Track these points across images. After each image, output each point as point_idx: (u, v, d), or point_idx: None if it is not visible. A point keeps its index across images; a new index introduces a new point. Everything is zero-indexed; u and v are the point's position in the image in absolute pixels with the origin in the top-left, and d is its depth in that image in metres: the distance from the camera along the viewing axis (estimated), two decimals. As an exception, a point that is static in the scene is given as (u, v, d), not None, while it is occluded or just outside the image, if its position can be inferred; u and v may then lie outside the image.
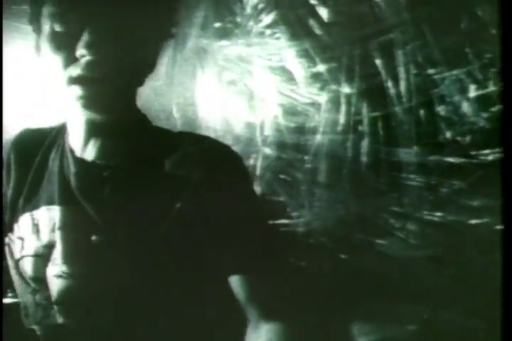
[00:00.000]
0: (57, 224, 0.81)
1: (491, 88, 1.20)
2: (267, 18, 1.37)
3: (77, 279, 0.79)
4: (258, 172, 1.37)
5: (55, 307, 0.79)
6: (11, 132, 1.19)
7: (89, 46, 0.74)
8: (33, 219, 0.83)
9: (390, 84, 1.29)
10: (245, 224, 0.81)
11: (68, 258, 0.79)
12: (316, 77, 1.35)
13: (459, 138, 1.24)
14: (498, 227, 1.16)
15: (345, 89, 1.33)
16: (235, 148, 1.36)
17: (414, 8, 1.26)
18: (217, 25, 1.40)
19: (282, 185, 1.37)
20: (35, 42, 0.81)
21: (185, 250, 0.78)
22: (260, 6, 1.37)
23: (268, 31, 1.38)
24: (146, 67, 0.83)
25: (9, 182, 0.87)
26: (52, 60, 0.78)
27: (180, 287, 0.79)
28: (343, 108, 1.33)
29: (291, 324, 0.81)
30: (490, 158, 1.20)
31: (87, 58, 0.75)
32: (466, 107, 1.23)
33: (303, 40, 1.35)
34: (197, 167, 0.81)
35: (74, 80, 0.76)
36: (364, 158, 1.32)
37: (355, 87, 1.32)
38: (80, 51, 0.75)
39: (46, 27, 0.78)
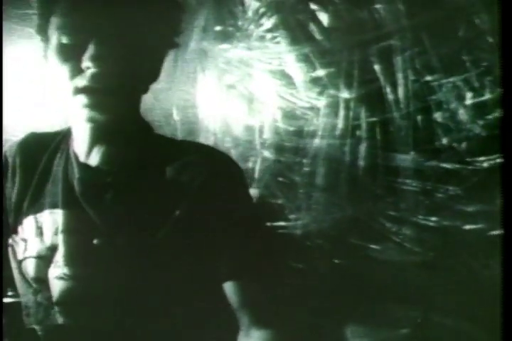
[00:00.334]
0: (60, 228, 0.82)
1: (488, 96, 1.22)
2: (268, 22, 1.38)
3: (77, 281, 0.80)
4: (257, 174, 1.38)
5: (56, 308, 0.81)
6: (11, 132, 1.20)
7: (94, 59, 0.76)
8: (36, 221, 0.84)
9: (388, 89, 1.30)
10: (242, 232, 0.83)
11: (70, 260, 0.81)
12: (315, 81, 1.36)
13: (455, 145, 1.25)
14: (493, 233, 1.18)
15: (344, 94, 1.34)
16: (234, 151, 1.38)
17: (414, 15, 1.27)
18: (219, 28, 1.41)
19: (280, 188, 1.38)
20: (43, 52, 0.83)
21: (184, 255, 0.80)
22: (261, 10, 1.38)
23: (269, 35, 1.39)
24: (150, 75, 0.84)
25: (14, 184, 0.89)
26: (59, 70, 0.79)
27: (178, 290, 0.80)
28: (342, 112, 1.34)
29: (281, 331, 0.82)
30: (485, 164, 1.21)
31: (92, 70, 0.76)
32: (462, 114, 1.25)
33: (303, 45, 1.36)
34: (197, 175, 0.82)
35: (80, 90, 0.77)
36: (361, 163, 1.33)
37: (353, 92, 1.33)
38: (86, 63, 0.77)
39: (54, 38, 0.80)
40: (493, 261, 1.15)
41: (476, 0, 1.21)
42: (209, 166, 0.84)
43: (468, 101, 1.24)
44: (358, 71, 1.33)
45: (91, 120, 0.79)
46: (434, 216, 1.27)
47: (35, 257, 0.83)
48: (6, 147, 0.93)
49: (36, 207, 0.85)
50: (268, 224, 1.26)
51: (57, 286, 0.81)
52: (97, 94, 0.77)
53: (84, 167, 0.84)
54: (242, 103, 1.41)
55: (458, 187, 1.25)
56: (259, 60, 1.39)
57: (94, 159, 0.84)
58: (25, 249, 0.84)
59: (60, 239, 0.82)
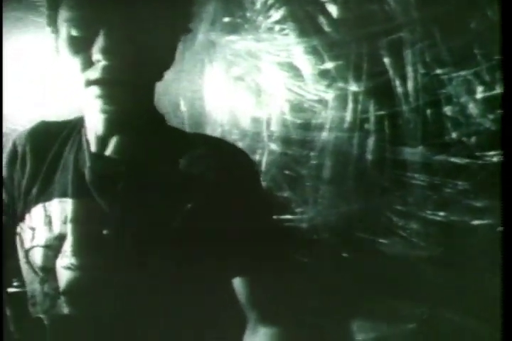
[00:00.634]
0: (69, 217, 0.81)
1: (498, 90, 1.21)
2: (277, 14, 1.37)
3: (85, 271, 0.79)
4: (263, 167, 1.38)
5: (62, 298, 0.80)
6: (12, 120, 1.20)
7: (104, 52, 0.75)
8: (45, 210, 0.83)
9: (397, 83, 1.29)
10: (253, 227, 0.82)
11: (78, 250, 0.80)
12: (323, 74, 1.35)
13: (464, 139, 1.24)
14: (501, 229, 1.17)
15: (353, 87, 1.33)
16: (241, 143, 1.37)
17: (424, 7, 1.26)
18: (227, 19, 1.40)
19: (287, 181, 1.37)
20: (55, 44, 0.82)
21: (194, 248, 0.79)
22: (270, 1, 1.37)
23: (277, 27, 1.38)
24: (163, 63, 0.83)
25: (24, 173, 0.88)
26: (70, 62, 0.78)
27: (187, 283, 0.80)
28: (350, 105, 1.33)
29: (288, 328, 0.82)
30: (495, 159, 1.20)
31: (103, 63, 0.75)
32: (472, 108, 1.24)
33: (312, 37, 1.35)
34: (210, 168, 0.81)
35: (92, 82, 0.76)
36: (369, 156, 1.33)
37: (362, 85, 1.32)
38: (96, 56, 0.76)
39: (63, 30, 0.79)
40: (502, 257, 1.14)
41: (488, -9, 1.20)
42: (221, 158, 0.83)
43: (479, 95, 1.23)
44: (367, 64, 1.32)
45: (104, 111, 0.78)
46: (442, 211, 1.27)
47: (42, 246, 0.82)
48: (15, 136, 0.92)
49: (45, 196, 0.84)
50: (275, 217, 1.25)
51: (64, 276, 0.80)
52: (109, 85, 0.76)
53: (96, 156, 0.83)
54: (250, 95, 1.40)
55: (467, 181, 1.24)
56: (268, 52, 1.38)
57: (106, 149, 0.84)
58: (33, 238, 0.84)
59: (68, 229, 0.81)
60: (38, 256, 0.83)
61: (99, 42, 0.75)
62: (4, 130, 1.14)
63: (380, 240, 1.28)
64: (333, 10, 1.34)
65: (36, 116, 0.94)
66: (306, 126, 1.37)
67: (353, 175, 1.34)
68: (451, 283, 1.21)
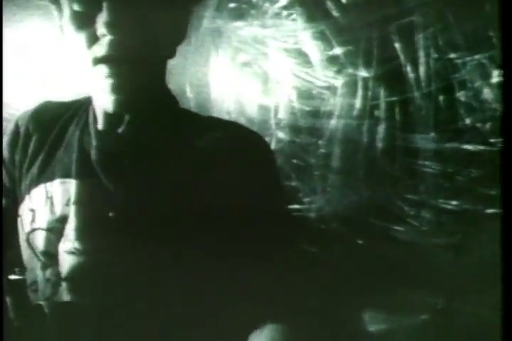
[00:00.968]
0: (73, 199, 0.78)
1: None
2: (284, -1, 1.35)
3: (89, 256, 0.76)
4: (271, 156, 1.35)
5: (64, 285, 0.77)
6: (14, 106, 1.18)
7: (108, 25, 0.71)
8: (46, 191, 0.80)
9: (408, 68, 1.27)
10: (263, 215, 0.78)
11: (82, 234, 0.77)
12: (332, 60, 1.33)
13: (478, 125, 1.22)
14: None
15: (363, 73, 1.31)
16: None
17: (436, -10, 1.23)
18: (233, 5, 1.38)
19: (295, 170, 1.35)
20: (59, 22, 0.79)
21: (202, 233, 0.76)
22: (277, -14, 1.35)
23: (284, 12, 1.35)
24: (175, 36, 0.79)
25: (26, 154, 0.85)
26: (75, 39, 0.75)
27: (193, 269, 0.77)
28: (360, 92, 1.31)
29: (295, 323, 0.79)
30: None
31: (109, 37, 0.72)
32: (487, 93, 1.21)
33: (319, 22, 1.33)
34: (223, 151, 0.78)
35: (99, 60, 0.73)
36: (379, 144, 1.30)
37: (372, 70, 1.30)
38: (101, 30, 0.73)
39: (66, 6, 0.76)
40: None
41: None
42: (237, 143, 0.80)
43: (494, 80, 1.20)
44: (377, 49, 1.30)
45: (113, 90, 0.75)
46: (455, 199, 1.24)
47: (44, 229, 0.79)
48: (17, 116, 0.89)
49: (46, 176, 0.82)
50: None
51: (67, 261, 0.77)
52: (117, 62, 0.73)
53: (104, 135, 0.80)
54: (257, 82, 1.38)
55: (480, 169, 1.22)
56: (274, 38, 1.36)
57: (115, 128, 0.81)
58: (33, 220, 0.81)
59: (71, 211, 0.78)
60: (39, 240, 0.80)
61: (104, 14, 0.72)
62: (6, 115, 1.11)
63: (394, 227, 1.26)
64: (341, -6, 1.31)
65: (41, 99, 0.91)
66: (315, 114, 1.34)
67: (362, 164, 1.32)
68: (464, 272, 1.19)
